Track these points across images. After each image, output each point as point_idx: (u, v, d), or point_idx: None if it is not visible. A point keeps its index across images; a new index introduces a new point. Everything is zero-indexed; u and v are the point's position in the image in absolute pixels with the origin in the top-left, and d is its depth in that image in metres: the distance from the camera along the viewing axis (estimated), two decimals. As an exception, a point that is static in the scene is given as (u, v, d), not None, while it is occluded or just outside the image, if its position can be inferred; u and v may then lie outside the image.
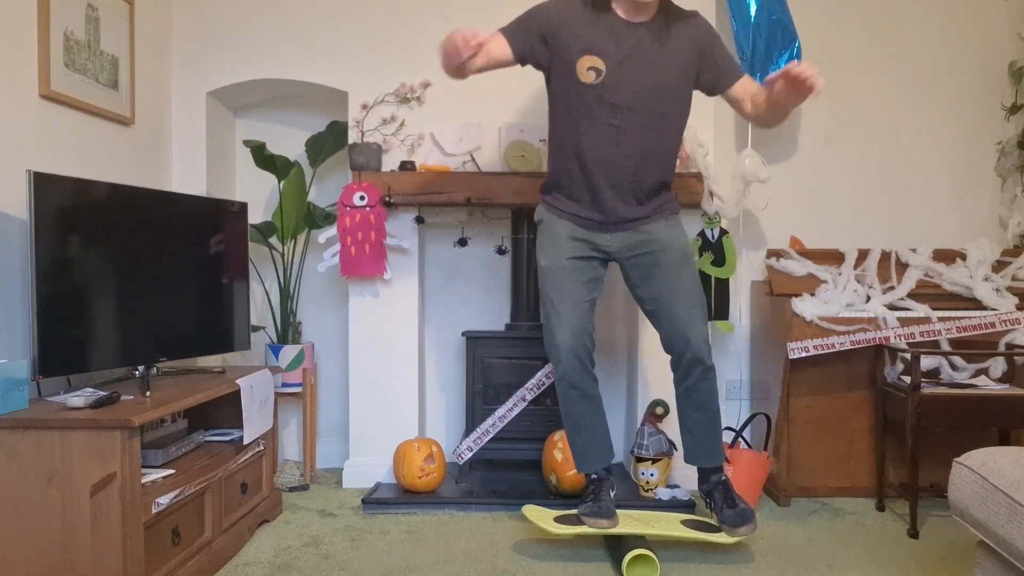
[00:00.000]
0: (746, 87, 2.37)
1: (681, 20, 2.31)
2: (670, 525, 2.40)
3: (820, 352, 2.86)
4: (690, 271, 2.39)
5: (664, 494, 2.83)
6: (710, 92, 2.41)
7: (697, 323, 2.32)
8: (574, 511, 2.38)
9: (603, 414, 2.45)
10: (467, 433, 3.02)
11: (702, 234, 3.05)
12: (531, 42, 2.31)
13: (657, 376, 3.09)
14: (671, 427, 3.02)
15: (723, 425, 2.49)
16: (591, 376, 2.39)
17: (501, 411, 2.97)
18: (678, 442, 2.97)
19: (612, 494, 2.42)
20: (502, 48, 2.31)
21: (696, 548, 2.47)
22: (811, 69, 2.03)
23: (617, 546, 2.36)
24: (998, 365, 2.82)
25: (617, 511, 2.38)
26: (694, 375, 2.34)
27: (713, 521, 2.39)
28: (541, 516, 2.42)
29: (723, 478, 2.41)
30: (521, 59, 2.35)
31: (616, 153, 2.29)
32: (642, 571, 2.23)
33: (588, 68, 2.25)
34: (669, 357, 2.40)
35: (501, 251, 3.26)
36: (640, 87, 2.26)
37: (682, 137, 2.44)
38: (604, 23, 2.26)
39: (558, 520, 2.38)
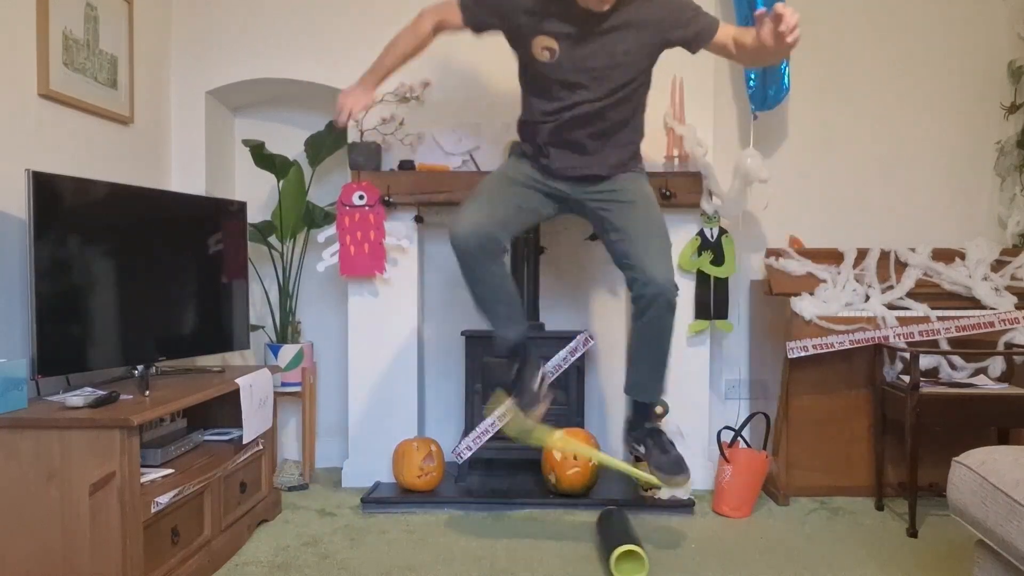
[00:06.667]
0: (725, 35, 2.32)
1: (643, 4, 2.28)
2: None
3: (819, 351, 2.86)
4: (654, 213, 2.40)
5: (664, 493, 2.83)
6: (690, 50, 2.39)
7: (663, 260, 2.31)
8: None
9: (511, 288, 2.41)
10: (466, 432, 3.01)
11: (701, 233, 3.05)
12: (486, 16, 2.35)
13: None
14: (671, 427, 3.02)
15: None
16: (494, 255, 2.33)
17: (500, 410, 2.97)
18: (677, 441, 2.98)
19: (538, 378, 2.43)
20: (453, 18, 2.37)
21: (694, 548, 2.47)
22: (794, 18, 2.00)
23: (604, 542, 2.36)
24: (997, 364, 2.82)
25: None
26: (654, 310, 2.29)
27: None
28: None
29: (655, 425, 2.44)
30: (473, 28, 2.39)
31: (570, 118, 2.32)
32: (630, 567, 2.24)
33: (542, 48, 2.28)
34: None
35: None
36: (593, 67, 2.28)
37: (645, 101, 2.43)
38: (562, 5, 2.25)
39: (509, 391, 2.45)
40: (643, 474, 2.47)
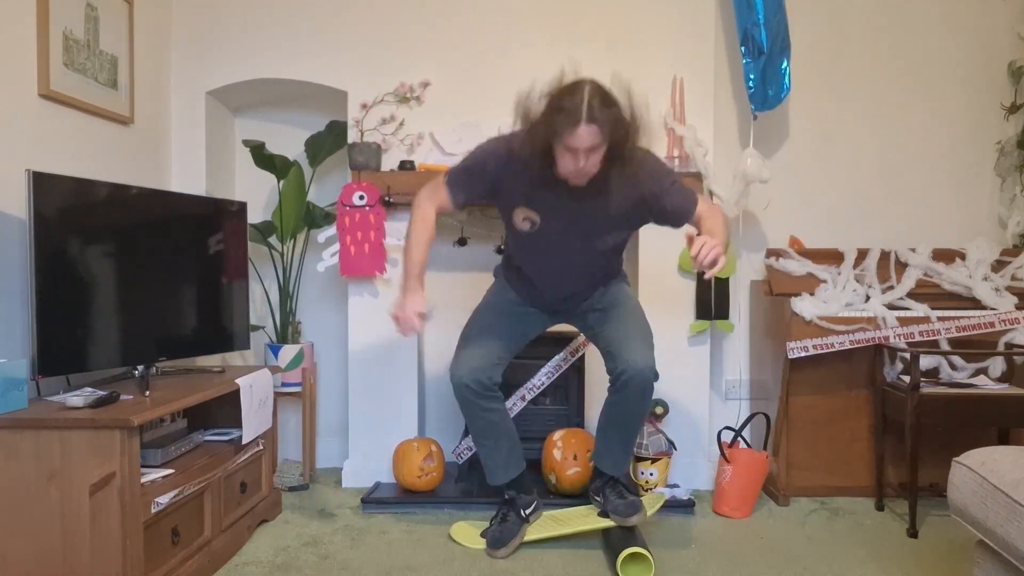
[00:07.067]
0: (700, 215, 2.30)
1: (625, 173, 2.22)
2: (585, 519, 2.52)
3: (819, 352, 2.86)
4: (635, 309, 2.49)
5: (664, 493, 2.83)
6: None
7: (643, 348, 2.38)
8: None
9: (509, 426, 2.54)
10: (466, 433, 3.01)
11: (701, 234, 3.05)
12: (475, 191, 2.35)
13: (656, 376, 3.09)
14: (670, 426, 3.02)
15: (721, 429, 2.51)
16: (493, 396, 2.45)
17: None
18: (677, 441, 2.99)
19: (526, 512, 2.52)
20: (445, 203, 2.37)
21: (694, 547, 2.47)
22: (711, 251, 2.03)
23: (611, 545, 2.37)
24: (997, 364, 2.82)
25: (543, 512, 2.60)
26: (631, 389, 2.36)
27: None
28: (468, 536, 2.53)
29: (614, 477, 2.52)
30: (463, 204, 2.40)
31: (554, 272, 2.43)
32: (637, 570, 2.24)
33: (523, 218, 2.32)
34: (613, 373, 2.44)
35: (500, 251, 3.26)
36: (575, 237, 2.33)
37: (625, 247, 2.51)
38: (544, 180, 2.22)
39: (484, 535, 2.50)
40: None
